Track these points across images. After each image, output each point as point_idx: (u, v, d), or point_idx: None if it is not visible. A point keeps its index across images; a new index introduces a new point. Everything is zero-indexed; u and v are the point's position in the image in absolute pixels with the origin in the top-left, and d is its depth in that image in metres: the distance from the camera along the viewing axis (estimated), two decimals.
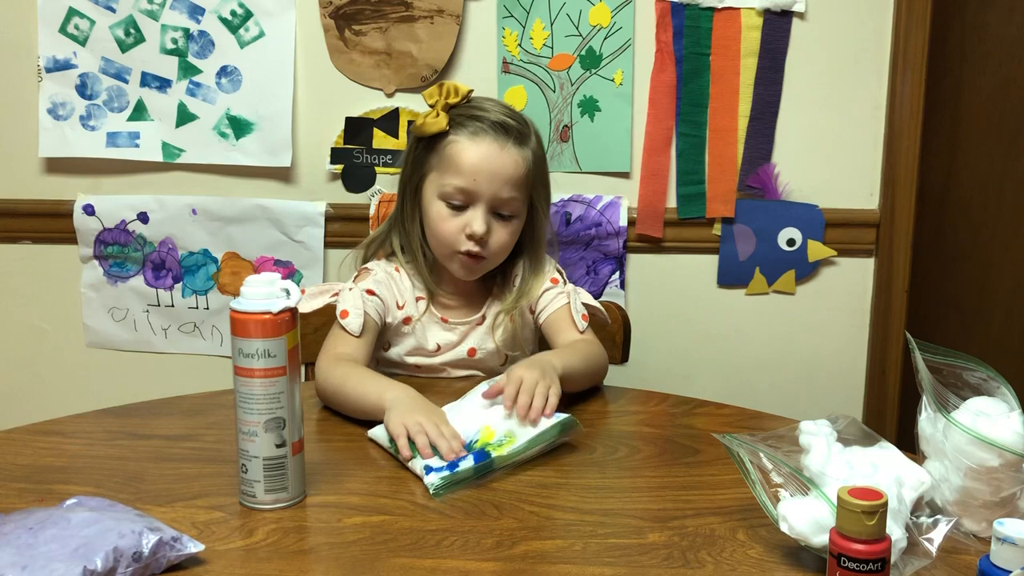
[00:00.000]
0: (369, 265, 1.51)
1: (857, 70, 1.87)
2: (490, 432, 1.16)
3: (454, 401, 1.25)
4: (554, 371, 1.25)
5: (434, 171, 1.45)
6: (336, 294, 1.47)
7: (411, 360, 1.49)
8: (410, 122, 1.85)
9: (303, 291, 1.47)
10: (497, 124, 1.42)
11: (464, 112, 1.44)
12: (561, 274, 1.55)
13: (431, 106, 1.45)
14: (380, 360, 1.51)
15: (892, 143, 1.88)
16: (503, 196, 1.42)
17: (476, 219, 1.42)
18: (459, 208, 1.43)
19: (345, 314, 1.40)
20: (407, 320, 1.47)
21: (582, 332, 1.46)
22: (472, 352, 1.49)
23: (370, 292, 1.44)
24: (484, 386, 1.25)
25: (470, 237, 1.42)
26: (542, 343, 1.54)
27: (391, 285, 1.48)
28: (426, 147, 1.46)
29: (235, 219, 1.95)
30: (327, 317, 1.48)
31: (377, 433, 1.19)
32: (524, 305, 1.50)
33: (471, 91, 1.46)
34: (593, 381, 1.42)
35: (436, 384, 1.42)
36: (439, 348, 1.48)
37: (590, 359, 1.40)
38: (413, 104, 1.88)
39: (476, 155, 1.41)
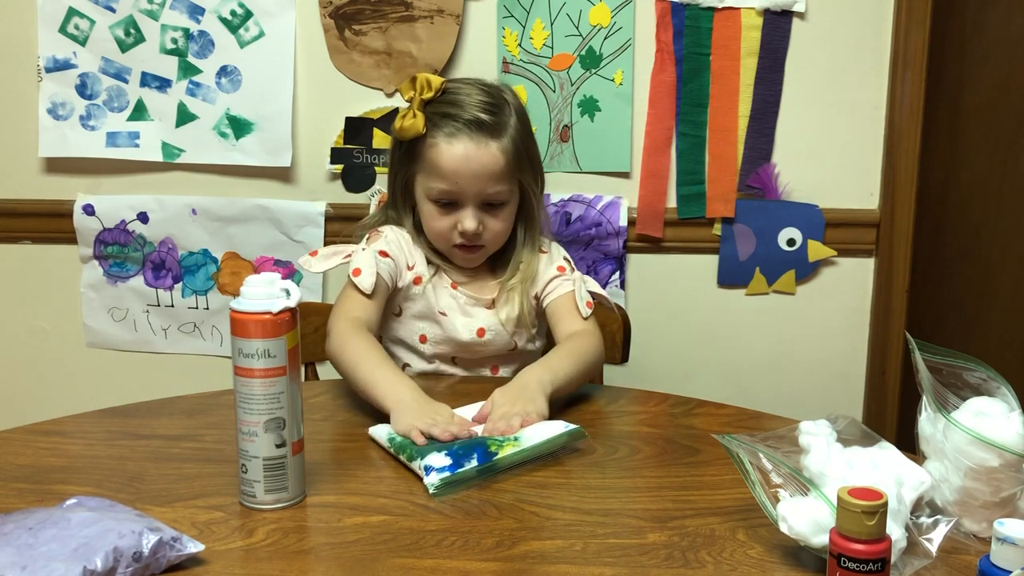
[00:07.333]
0: (381, 228, 1.52)
1: (857, 70, 1.87)
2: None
3: (459, 408, 1.24)
4: (541, 390, 1.25)
5: (419, 173, 1.46)
6: (348, 255, 1.47)
7: (420, 326, 1.48)
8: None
9: (314, 253, 1.50)
10: (472, 122, 1.41)
11: (439, 109, 1.43)
12: (568, 262, 1.55)
13: (408, 102, 1.45)
14: (391, 339, 1.51)
15: (892, 143, 1.88)
16: (489, 191, 1.44)
17: (466, 218, 1.43)
18: (449, 206, 1.44)
19: (358, 272, 1.41)
20: (417, 280, 1.48)
21: (585, 319, 1.47)
22: (481, 332, 1.49)
23: (383, 254, 1.45)
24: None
25: (463, 235, 1.44)
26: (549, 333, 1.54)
27: (402, 245, 1.50)
28: (407, 149, 1.46)
29: (235, 219, 1.95)
30: (327, 317, 1.47)
31: (378, 432, 1.19)
32: (529, 287, 1.51)
33: (444, 82, 1.45)
34: (589, 378, 1.42)
35: (436, 388, 1.42)
36: (446, 314, 1.48)
37: (584, 357, 1.39)
38: None
39: (454, 158, 1.41)
